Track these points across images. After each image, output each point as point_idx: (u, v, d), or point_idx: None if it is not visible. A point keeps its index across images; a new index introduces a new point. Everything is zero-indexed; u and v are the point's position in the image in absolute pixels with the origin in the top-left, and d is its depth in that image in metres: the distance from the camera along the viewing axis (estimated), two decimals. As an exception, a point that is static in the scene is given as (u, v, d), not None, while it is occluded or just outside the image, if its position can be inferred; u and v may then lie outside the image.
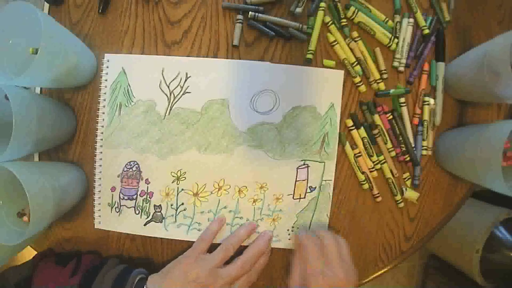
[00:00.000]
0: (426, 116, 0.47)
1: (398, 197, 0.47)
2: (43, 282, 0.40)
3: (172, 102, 0.47)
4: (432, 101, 0.47)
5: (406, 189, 0.47)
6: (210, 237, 0.44)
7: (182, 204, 0.47)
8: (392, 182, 0.47)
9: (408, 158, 0.47)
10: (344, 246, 0.41)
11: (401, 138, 0.47)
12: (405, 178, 0.48)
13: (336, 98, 0.47)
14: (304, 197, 0.47)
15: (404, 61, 0.46)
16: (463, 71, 0.44)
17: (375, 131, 0.47)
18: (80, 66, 0.44)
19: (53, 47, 0.36)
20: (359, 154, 0.47)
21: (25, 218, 0.41)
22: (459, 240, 0.96)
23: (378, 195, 0.47)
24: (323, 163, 0.47)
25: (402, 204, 0.47)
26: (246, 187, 0.47)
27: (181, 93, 0.47)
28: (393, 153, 0.47)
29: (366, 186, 0.47)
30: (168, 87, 0.47)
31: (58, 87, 0.48)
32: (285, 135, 0.47)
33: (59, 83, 0.44)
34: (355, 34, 0.46)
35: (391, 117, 0.47)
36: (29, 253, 0.47)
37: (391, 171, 0.47)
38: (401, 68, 0.47)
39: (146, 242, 0.48)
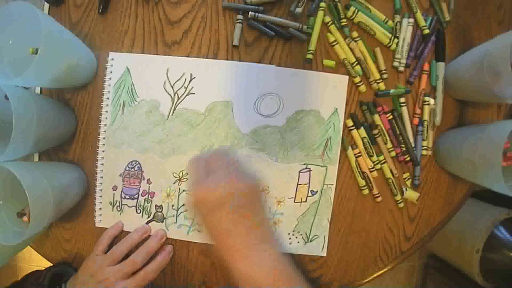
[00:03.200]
0: (426, 116, 0.47)
1: (398, 197, 0.47)
2: None
3: (176, 103, 0.47)
4: (432, 101, 0.47)
5: (406, 189, 0.47)
6: (105, 241, 0.46)
7: (183, 205, 0.47)
8: (392, 182, 0.47)
9: (408, 158, 0.47)
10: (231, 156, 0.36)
11: (401, 138, 0.47)
12: (405, 178, 0.48)
13: (340, 103, 0.47)
14: (305, 201, 0.47)
15: (404, 61, 0.46)
16: (463, 71, 0.44)
17: (375, 131, 0.47)
18: (80, 66, 0.44)
19: (53, 47, 0.36)
20: (359, 154, 0.47)
21: (25, 218, 0.41)
22: (459, 240, 0.96)
23: (378, 195, 0.47)
24: (325, 168, 0.47)
25: (402, 204, 0.47)
26: (247, 188, 0.47)
27: (185, 93, 0.47)
28: (393, 153, 0.47)
29: (366, 191, 0.47)
30: (172, 87, 0.47)
31: (58, 87, 0.48)
32: (288, 139, 0.47)
33: (59, 83, 0.44)
34: (355, 34, 0.46)
35: (391, 117, 0.47)
36: (29, 253, 0.47)
37: (391, 171, 0.47)
38: (401, 68, 0.47)
39: (146, 242, 0.48)
